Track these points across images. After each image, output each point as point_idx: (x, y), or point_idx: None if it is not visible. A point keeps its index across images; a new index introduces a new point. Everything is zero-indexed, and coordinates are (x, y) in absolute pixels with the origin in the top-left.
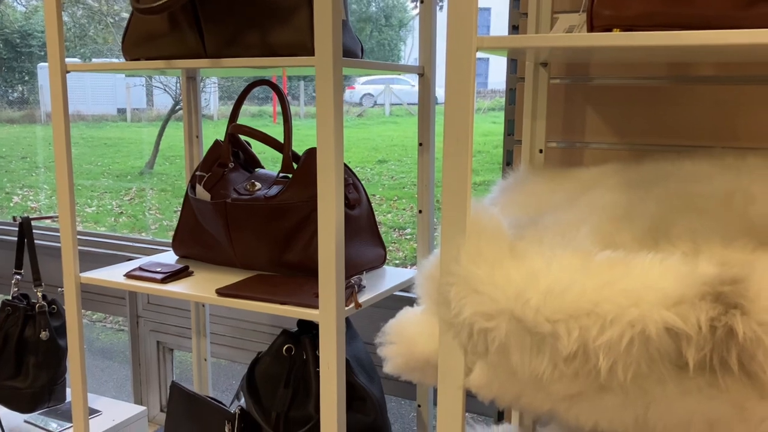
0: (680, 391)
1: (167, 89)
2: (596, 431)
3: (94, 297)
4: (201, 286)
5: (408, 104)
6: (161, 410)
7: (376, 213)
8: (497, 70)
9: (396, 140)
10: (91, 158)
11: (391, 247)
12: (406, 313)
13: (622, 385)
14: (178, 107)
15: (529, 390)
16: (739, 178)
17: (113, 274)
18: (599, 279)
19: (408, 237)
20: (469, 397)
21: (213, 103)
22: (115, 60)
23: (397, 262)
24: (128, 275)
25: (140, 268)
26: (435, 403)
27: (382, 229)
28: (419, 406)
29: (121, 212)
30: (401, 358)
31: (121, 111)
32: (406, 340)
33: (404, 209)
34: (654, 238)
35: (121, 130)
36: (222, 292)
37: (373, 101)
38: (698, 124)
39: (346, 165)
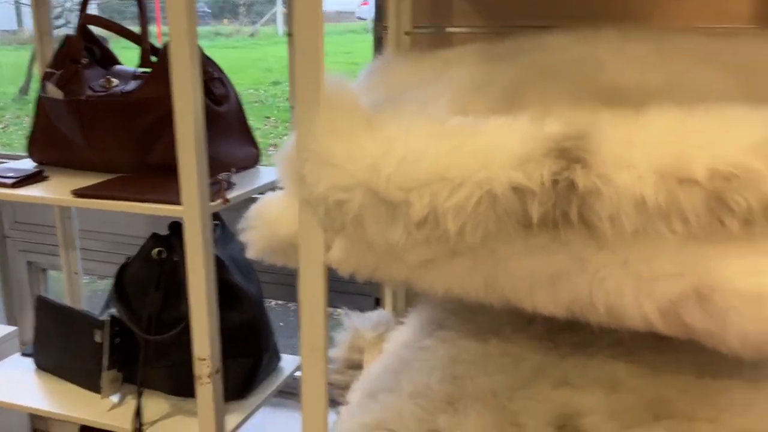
0: (526, 250)
1: None
2: (449, 296)
3: None
4: (57, 190)
5: None
6: None
7: (271, 136)
8: None
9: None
10: None
11: None
12: (266, 198)
13: (472, 248)
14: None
15: (386, 260)
16: (592, 48)
17: None
18: (450, 145)
19: None
20: (346, 294)
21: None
22: None
23: None
24: None
25: None
26: None
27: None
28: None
29: None
30: (263, 240)
31: None
32: (267, 223)
33: None
34: (507, 105)
35: None
36: (79, 192)
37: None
38: (569, 3)
39: (210, 59)
